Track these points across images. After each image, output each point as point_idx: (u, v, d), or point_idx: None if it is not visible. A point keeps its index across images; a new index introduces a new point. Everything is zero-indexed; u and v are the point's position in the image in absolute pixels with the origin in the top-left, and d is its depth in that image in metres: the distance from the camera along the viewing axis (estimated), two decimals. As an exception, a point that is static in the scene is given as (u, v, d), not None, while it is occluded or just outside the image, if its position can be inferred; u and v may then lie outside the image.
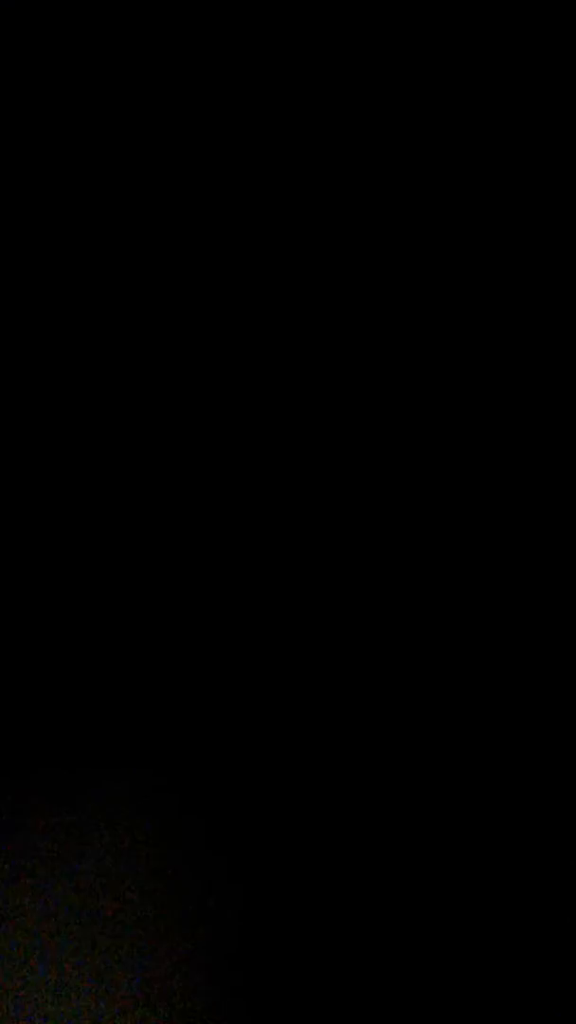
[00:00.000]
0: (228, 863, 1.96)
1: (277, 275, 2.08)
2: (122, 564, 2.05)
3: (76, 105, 2.09)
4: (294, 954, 1.93)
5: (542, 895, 1.94)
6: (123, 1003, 1.91)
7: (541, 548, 2.03)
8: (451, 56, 2.07)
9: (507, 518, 2.04)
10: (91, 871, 1.95)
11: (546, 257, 2.07)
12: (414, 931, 1.94)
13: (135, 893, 1.95)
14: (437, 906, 1.94)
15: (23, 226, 2.09)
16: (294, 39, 2.08)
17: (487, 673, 2.01)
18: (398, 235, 2.08)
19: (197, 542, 2.05)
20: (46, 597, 2.04)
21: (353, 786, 1.98)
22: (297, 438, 2.06)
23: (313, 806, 1.98)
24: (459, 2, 2.07)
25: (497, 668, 2.01)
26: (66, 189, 2.09)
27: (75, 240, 2.09)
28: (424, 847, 1.96)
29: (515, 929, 1.93)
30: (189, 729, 2.01)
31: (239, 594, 2.04)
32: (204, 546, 2.05)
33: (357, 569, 2.04)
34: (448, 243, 2.08)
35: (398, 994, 1.92)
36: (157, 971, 1.92)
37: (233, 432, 2.07)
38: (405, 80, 2.08)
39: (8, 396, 2.08)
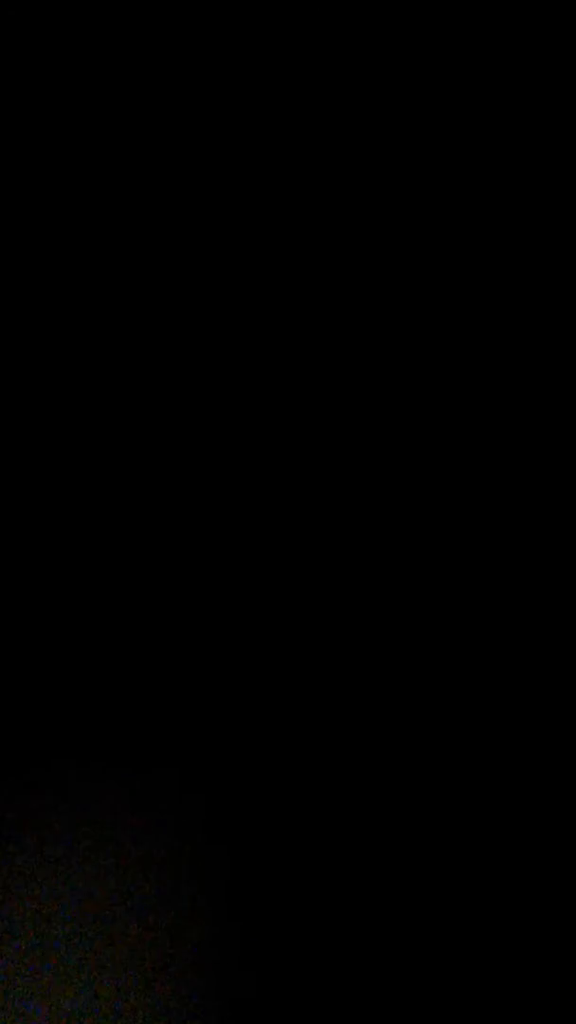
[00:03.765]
0: (230, 863, 1.96)
1: (276, 275, 2.09)
2: (123, 566, 2.05)
3: (76, 105, 2.09)
4: (295, 953, 1.93)
5: (542, 893, 1.95)
6: (122, 1002, 1.91)
7: (541, 548, 2.04)
8: (451, 56, 2.08)
9: (506, 518, 2.05)
10: (91, 871, 1.95)
11: (546, 257, 2.08)
12: (415, 932, 1.94)
13: (135, 893, 1.94)
14: (437, 907, 1.95)
15: (23, 226, 2.09)
16: (294, 39, 2.09)
17: (486, 670, 2.01)
18: (397, 235, 2.09)
19: (199, 538, 2.05)
20: (48, 597, 2.04)
21: (353, 786, 1.98)
22: (297, 438, 2.07)
23: (314, 805, 1.98)
24: (459, 2, 2.08)
25: (496, 665, 2.01)
26: (66, 189, 2.09)
27: (75, 241, 2.09)
28: (423, 848, 1.97)
29: (515, 927, 1.94)
30: (189, 729, 2.01)
31: (238, 595, 2.04)
32: (205, 545, 2.05)
33: (356, 568, 2.04)
34: (447, 243, 2.08)
35: (399, 995, 1.92)
36: (157, 970, 1.92)
37: (234, 429, 2.07)
38: (405, 80, 2.09)
39: (8, 396, 2.08)
